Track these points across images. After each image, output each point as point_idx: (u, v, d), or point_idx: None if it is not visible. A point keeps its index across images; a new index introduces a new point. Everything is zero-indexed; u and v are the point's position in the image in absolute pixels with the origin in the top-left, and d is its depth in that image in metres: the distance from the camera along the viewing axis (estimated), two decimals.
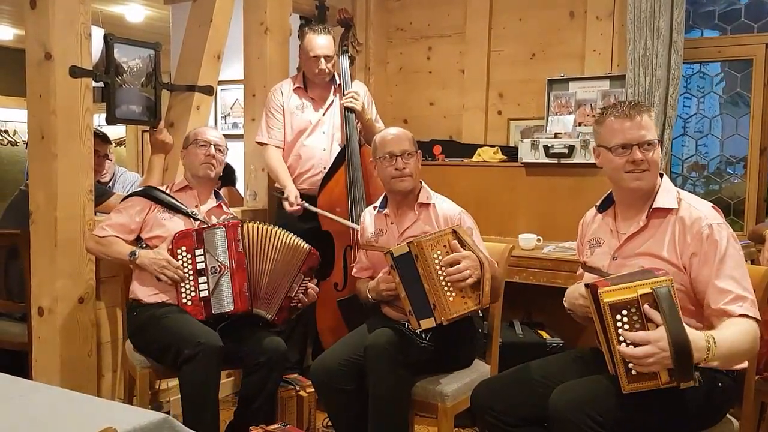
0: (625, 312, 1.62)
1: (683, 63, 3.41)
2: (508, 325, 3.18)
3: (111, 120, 2.99)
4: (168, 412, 1.70)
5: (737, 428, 1.93)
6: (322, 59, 3.14)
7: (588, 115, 3.67)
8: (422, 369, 2.28)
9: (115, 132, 7.77)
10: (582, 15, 3.78)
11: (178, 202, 2.61)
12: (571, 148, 3.36)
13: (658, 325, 1.60)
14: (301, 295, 2.56)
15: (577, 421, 1.66)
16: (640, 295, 1.61)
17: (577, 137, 3.43)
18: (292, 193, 3.09)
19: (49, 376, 2.64)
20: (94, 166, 2.85)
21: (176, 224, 2.55)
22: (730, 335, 1.67)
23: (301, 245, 2.55)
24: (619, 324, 1.63)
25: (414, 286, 2.15)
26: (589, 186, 3.31)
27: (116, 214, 2.58)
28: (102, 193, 2.96)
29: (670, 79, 3.38)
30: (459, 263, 2.11)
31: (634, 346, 1.60)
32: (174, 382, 2.99)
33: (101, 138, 3.39)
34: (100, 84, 2.92)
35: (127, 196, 2.67)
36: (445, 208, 2.44)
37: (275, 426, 2.27)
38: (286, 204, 3.08)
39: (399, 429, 2.22)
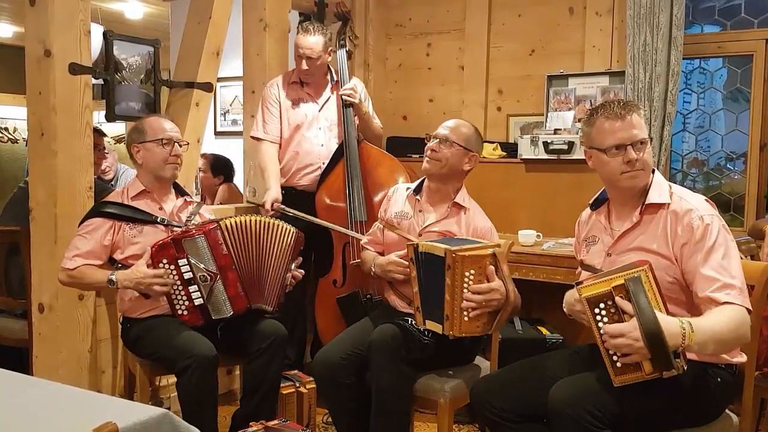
0: (602, 305, 1.64)
1: (683, 58, 3.41)
2: (507, 321, 3.18)
3: (110, 117, 2.99)
4: (168, 408, 1.70)
5: (737, 424, 1.93)
6: (304, 60, 3.11)
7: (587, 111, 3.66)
8: (424, 365, 2.28)
9: (115, 129, 7.76)
10: (581, 11, 3.77)
11: (142, 211, 2.44)
12: (571, 144, 3.36)
13: (632, 316, 1.61)
14: (290, 278, 2.51)
15: (575, 416, 1.66)
16: (613, 287, 1.63)
17: (577, 133, 3.43)
18: (270, 197, 3.01)
19: (49, 372, 2.65)
20: (95, 159, 2.84)
21: (148, 238, 2.39)
22: (710, 322, 1.66)
23: (290, 231, 2.48)
24: (598, 318, 1.65)
25: (432, 288, 2.13)
26: (589, 182, 3.29)
27: (81, 241, 2.38)
28: (102, 190, 2.96)
29: (669, 75, 3.38)
30: (485, 293, 2.06)
31: (612, 338, 1.61)
32: (173, 378, 3.00)
33: (96, 131, 3.38)
34: (100, 81, 2.92)
35: (85, 218, 2.44)
36: (476, 219, 2.40)
37: (275, 422, 2.27)
38: (261, 210, 3.02)
39: (400, 424, 2.22)
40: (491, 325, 2.12)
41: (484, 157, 3.70)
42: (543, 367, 1.97)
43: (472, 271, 2.06)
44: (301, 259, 2.58)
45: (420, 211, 2.44)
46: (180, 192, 2.62)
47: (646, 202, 1.84)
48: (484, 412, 1.95)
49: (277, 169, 3.17)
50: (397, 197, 2.54)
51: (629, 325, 1.59)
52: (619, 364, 1.63)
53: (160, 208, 2.50)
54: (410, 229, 2.40)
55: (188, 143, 2.63)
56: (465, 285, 2.06)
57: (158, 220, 2.44)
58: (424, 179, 2.49)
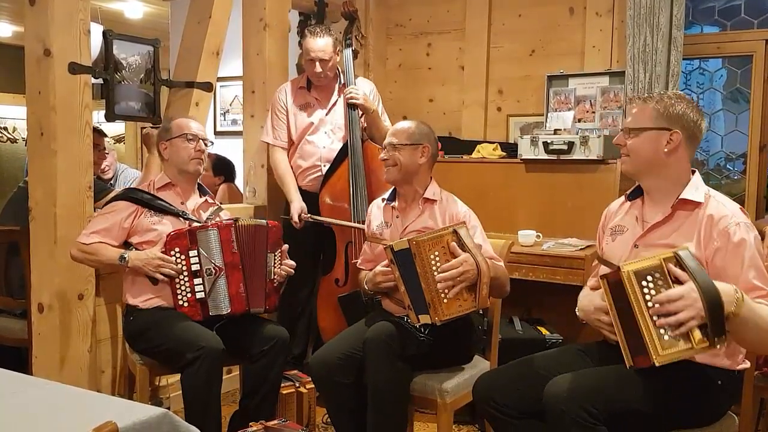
0: (650, 278, 1.63)
1: (683, 59, 3.41)
2: (507, 321, 3.18)
3: (110, 117, 2.98)
4: (168, 408, 1.70)
5: (737, 424, 1.93)
6: (317, 63, 3.13)
7: (587, 112, 3.67)
8: (421, 364, 2.29)
9: (115, 129, 7.77)
10: (581, 11, 3.77)
11: (166, 202, 2.53)
12: (571, 144, 3.36)
13: (684, 283, 1.60)
14: (278, 271, 2.52)
15: (571, 413, 1.66)
16: (664, 259, 1.63)
17: (577, 133, 3.43)
18: (296, 211, 3.09)
19: (49, 372, 2.64)
20: (95, 159, 2.84)
21: (166, 227, 2.48)
22: (758, 306, 1.66)
23: (259, 223, 2.53)
24: (645, 291, 1.62)
25: (412, 282, 2.16)
26: (589, 182, 3.31)
27: (101, 220, 2.49)
28: (101, 190, 2.96)
29: (669, 75, 3.38)
30: (455, 268, 2.11)
31: (670, 303, 1.59)
32: (173, 378, 3.00)
33: (96, 131, 3.38)
34: (99, 81, 2.92)
35: (110, 200, 2.57)
36: (451, 206, 2.45)
37: (275, 422, 2.27)
38: (293, 222, 3.07)
39: (397, 422, 2.22)
40: (475, 302, 2.14)
41: (484, 157, 3.72)
42: (546, 364, 1.96)
43: (436, 253, 2.13)
44: (286, 245, 2.58)
45: (397, 217, 2.49)
46: (203, 192, 2.69)
47: (680, 197, 1.84)
48: (486, 407, 1.95)
49: (293, 178, 3.21)
50: (375, 212, 2.60)
51: (687, 287, 1.59)
52: (666, 337, 1.60)
53: (183, 203, 2.58)
54: (393, 237, 2.44)
55: (213, 142, 2.71)
56: (434, 267, 2.12)
57: (179, 213, 2.52)
58: (394, 187, 2.54)
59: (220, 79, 3.70)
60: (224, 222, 2.49)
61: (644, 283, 1.63)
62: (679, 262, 1.62)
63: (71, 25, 2.62)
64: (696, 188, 1.85)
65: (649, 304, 1.61)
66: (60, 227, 2.62)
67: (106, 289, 2.86)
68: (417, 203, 2.46)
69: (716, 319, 1.57)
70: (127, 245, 2.49)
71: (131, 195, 2.53)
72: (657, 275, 1.63)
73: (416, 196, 2.46)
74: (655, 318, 1.60)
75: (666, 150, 1.84)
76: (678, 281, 1.61)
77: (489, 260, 2.21)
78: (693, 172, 1.90)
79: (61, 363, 2.67)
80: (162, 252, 2.40)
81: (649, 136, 1.85)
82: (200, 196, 2.66)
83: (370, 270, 2.47)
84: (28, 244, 2.69)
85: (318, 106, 3.26)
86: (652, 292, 1.62)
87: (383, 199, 2.58)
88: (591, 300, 1.92)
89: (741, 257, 1.73)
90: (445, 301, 2.11)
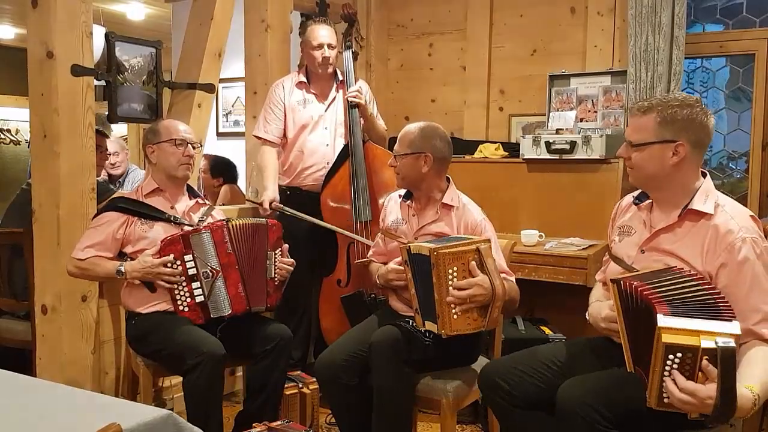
0: (680, 355, 1.54)
1: (685, 58, 3.41)
2: (510, 321, 3.18)
3: (113, 118, 2.99)
4: (171, 409, 1.70)
5: (740, 425, 1.93)
6: (326, 47, 3.14)
7: (589, 111, 3.66)
8: (426, 366, 2.28)
9: (117, 130, 7.78)
10: (583, 11, 3.77)
11: (155, 209, 2.50)
12: (573, 143, 3.36)
13: (707, 380, 1.52)
14: (279, 270, 2.51)
15: (584, 415, 1.66)
16: (703, 348, 1.53)
17: (579, 133, 3.43)
18: (267, 197, 3.06)
19: (52, 373, 2.65)
20: (98, 161, 2.85)
21: (158, 233, 2.45)
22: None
23: (259, 222, 2.51)
24: (668, 363, 1.56)
25: (424, 288, 2.15)
26: (591, 182, 3.31)
27: (93, 233, 2.45)
28: (105, 191, 2.96)
29: (671, 75, 3.38)
30: (467, 290, 2.08)
31: (681, 392, 1.53)
32: (177, 379, 3.00)
33: (98, 133, 3.38)
34: (102, 82, 2.92)
35: (99, 212, 2.53)
36: (467, 214, 2.41)
37: (278, 422, 2.27)
38: (260, 209, 3.06)
39: (402, 425, 2.22)
40: (484, 322, 2.12)
41: (486, 157, 3.72)
42: (554, 356, 1.96)
43: (455, 268, 2.09)
44: (286, 246, 2.57)
45: (413, 215, 2.48)
46: (193, 194, 2.66)
47: (687, 207, 1.79)
48: (491, 394, 1.95)
49: (276, 170, 3.19)
50: (392, 206, 2.59)
51: (704, 391, 1.51)
52: (666, 400, 1.57)
53: (172, 207, 2.55)
54: (407, 235, 2.43)
55: (201, 145, 2.68)
56: (450, 282, 2.09)
57: (170, 218, 2.49)
58: None
59: (222, 80, 3.70)
60: (216, 223, 2.46)
61: (671, 356, 1.55)
62: (716, 357, 1.50)
63: (74, 27, 2.62)
64: (706, 197, 1.79)
65: (666, 373, 1.56)
66: (63, 229, 2.62)
67: (110, 291, 2.86)
68: (434, 207, 2.43)
69: (717, 419, 1.52)
70: (121, 255, 2.47)
71: (119, 204, 2.49)
72: (689, 356, 1.54)
73: (431, 200, 2.44)
74: (664, 383, 1.56)
75: (672, 163, 1.78)
76: (703, 372, 1.53)
77: (503, 280, 2.17)
78: (704, 175, 1.84)
79: (65, 365, 2.68)
80: (155, 256, 2.37)
81: (653, 150, 1.79)
82: (190, 198, 2.63)
83: (383, 263, 2.47)
84: (32, 245, 2.70)
85: (317, 101, 3.25)
86: (675, 366, 1.55)
87: (400, 195, 2.56)
88: (599, 310, 1.91)
89: (745, 277, 1.68)
90: (455, 317, 2.09)
